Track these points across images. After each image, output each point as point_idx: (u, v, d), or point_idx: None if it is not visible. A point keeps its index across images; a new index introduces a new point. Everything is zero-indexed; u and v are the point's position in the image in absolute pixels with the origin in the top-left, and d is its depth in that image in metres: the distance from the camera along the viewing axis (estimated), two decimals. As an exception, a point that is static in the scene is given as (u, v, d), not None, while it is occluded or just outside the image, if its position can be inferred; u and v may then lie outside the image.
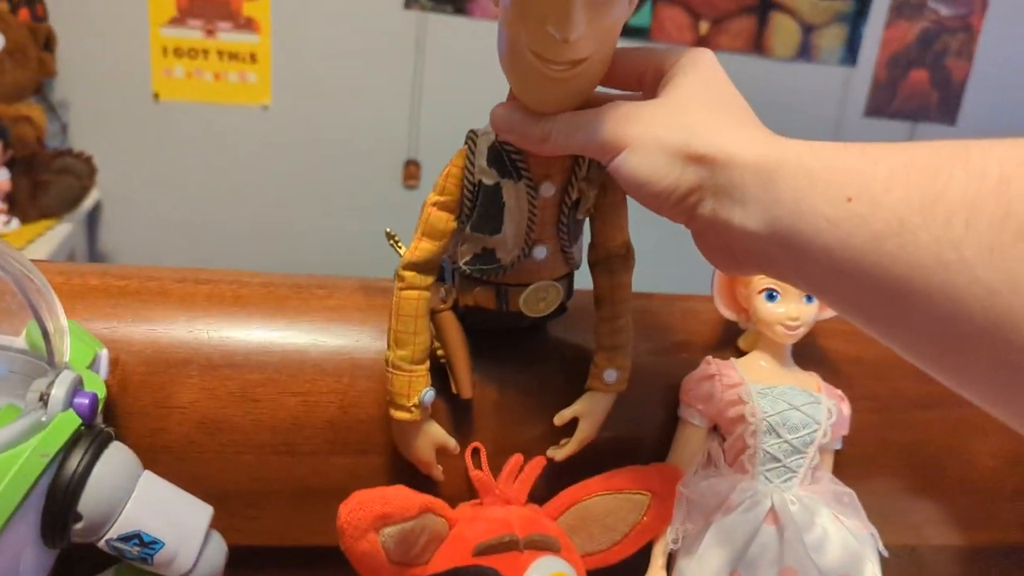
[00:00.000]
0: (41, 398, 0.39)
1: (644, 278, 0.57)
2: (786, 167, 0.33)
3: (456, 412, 0.54)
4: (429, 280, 0.48)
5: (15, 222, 1.61)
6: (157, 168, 2.05)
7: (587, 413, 0.52)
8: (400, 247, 0.54)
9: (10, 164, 1.59)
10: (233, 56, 2.02)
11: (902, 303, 0.29)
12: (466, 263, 0.49)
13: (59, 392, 0.38)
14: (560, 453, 0.53)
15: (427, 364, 0.49)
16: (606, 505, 0.53)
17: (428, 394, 0.49)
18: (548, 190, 0.45)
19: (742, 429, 0.52)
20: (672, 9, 2.22)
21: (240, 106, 2.06)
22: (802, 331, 0.53)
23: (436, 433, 0.51)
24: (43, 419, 0.38)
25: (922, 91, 2.43)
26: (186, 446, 0.51)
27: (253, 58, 2.03)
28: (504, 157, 0.44)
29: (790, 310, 0.52)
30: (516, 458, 0.53)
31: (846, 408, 0.55)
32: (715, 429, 0.54)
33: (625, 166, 0.38)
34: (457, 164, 0.46)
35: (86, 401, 0.39)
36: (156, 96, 2.01)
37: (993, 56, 2.42)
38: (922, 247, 0.28)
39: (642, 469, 0.53)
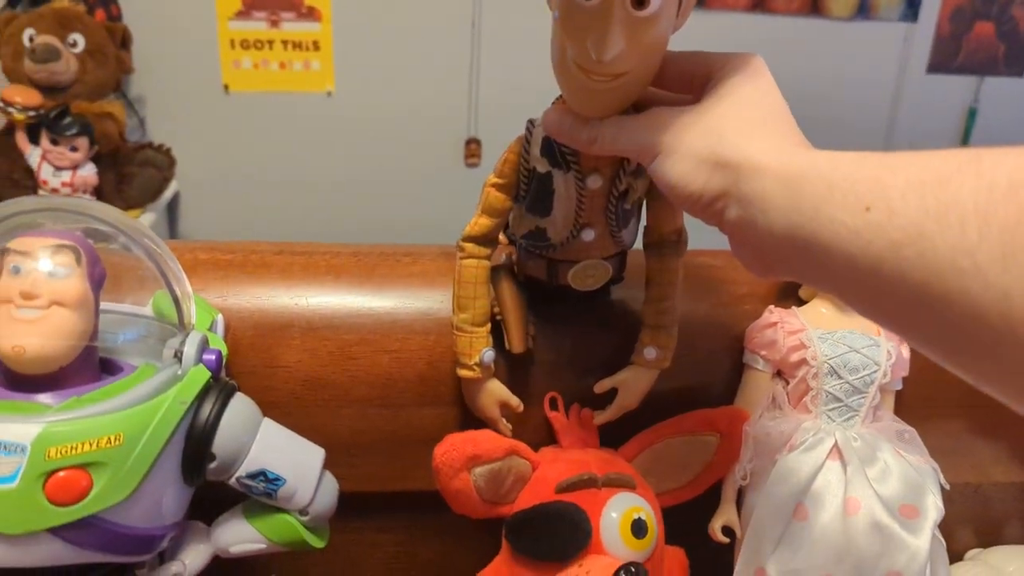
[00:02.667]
0: (176, 355, 0.44)
1: (711, 236, 0.60)
2: (808, 176, 0.35)
3: (517, 369, 0.58)
4: (487, 251, 0.52)
5: (103, 214, 1.70)
6: (230, 157, 2.14)
7: (627, 384, 0.56)
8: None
9: (96, 159, 1.67)
10: (297, 45, 2.08)
11: (921, 307, 0.30)
12: (522, 237, 0.53)
13: (191, 350, 0.44)
14: (600, 418, 0.57)
15: (487, 327, 0.54)
16: (678, 447, 0.56)
17: (488, 354, 0.53)
18: (596, 182, 0.48)
19: (804, 372, 0.55)
20: (727, -25, 2.21)
21: (305, 94, 2.13)
22: (860, 278, 0.55)
23: (498, 390, 0.55)
24: (179, 373, 0.43)
25: (988, 44, 2.36)
26: (292, 401, 0.56)
27: (316, 46, 2.09)
28: (555, 149, 0.48)
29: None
30: (575, 407, 0.57)
31: (905, 350, 0.57)
32: (779, 374, 0.58)
33: (659, 170, 0.41)
34: (514, 150, 0.50)
35: (213, 357, 0.45)
36: (226, 88, 2.09)
37: (1063, 3, 2.34)
38: (939, 254, 0.29)
39: (710, 412, 0.56)
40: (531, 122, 0.49)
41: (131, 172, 1.74)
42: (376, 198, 2.22)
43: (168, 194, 1.90)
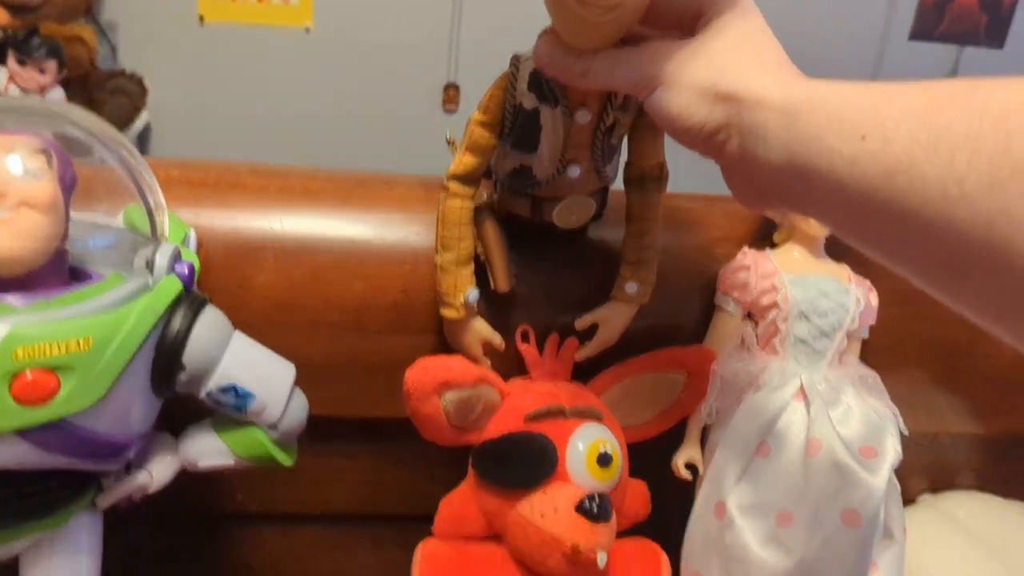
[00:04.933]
0: (147, 265, 0.43)
1: (687, 180, 0.61)
2: (807, 107, 0.35)
3: (497, 309, 0.58)
4: (472, 190, 0.52)
5: (71, 141, 1.66)
6: (203, 89, 2.09)
7: (607, 319, 0.56)
8: (455, 148, 0.58)
9: (64, 84, 1.63)
10: (275, -23, 2.04)
11: (910, 234, 0.32)
12: (505, 176, 0.53)
13: (162, 260, 0.43)
14: (580, 354, 0.57)
15: (472, 267, 0.53)
16: (646, 383, 0.57)
17: (472, 293, 0.53)
18: (584, 117, 0.48)
19: (774, 315, 0.55)
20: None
21: (283, 28, 2.08)
22: (834, 224, 0.56)
23: (482, 329, 0.55)
24: (150, 283, 0.43)
25: (970, 14, 2.37)
26: (263, 323, 0.55)
27: (295, -21, 2.05)
28: (543, 83, 0.47)
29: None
30: (553, 337, 0.58)
31: (874, 298, 0.58)
32: (748, 316, 0.58)
33: (659, 103, 0.41)
34: (500, 86, 0.49)
35: (185, 268, 0.44)
36: (201, 19, 2.04)
37: (1046, -24, 2.35)
38: (929, 182, 0.30)
39: (679, 350, 0.57)
40: (516, 57, 0.48)
41: (101, 99, 1.70)
42: (350, 140, 2.20)
43: (139, 124, 1.86)
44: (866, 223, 0.34)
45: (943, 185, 0.30)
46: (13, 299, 0.39)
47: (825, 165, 0.34)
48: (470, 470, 0.55)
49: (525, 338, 0.57)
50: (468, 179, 0.51)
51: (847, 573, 0.49)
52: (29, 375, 0.37)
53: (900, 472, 0.55)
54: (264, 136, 2.16)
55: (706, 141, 0.40)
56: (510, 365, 0.58)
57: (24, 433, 0.38)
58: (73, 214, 0.43)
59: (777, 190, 0.38)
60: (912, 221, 0.31)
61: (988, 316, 0.32)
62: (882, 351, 0.62)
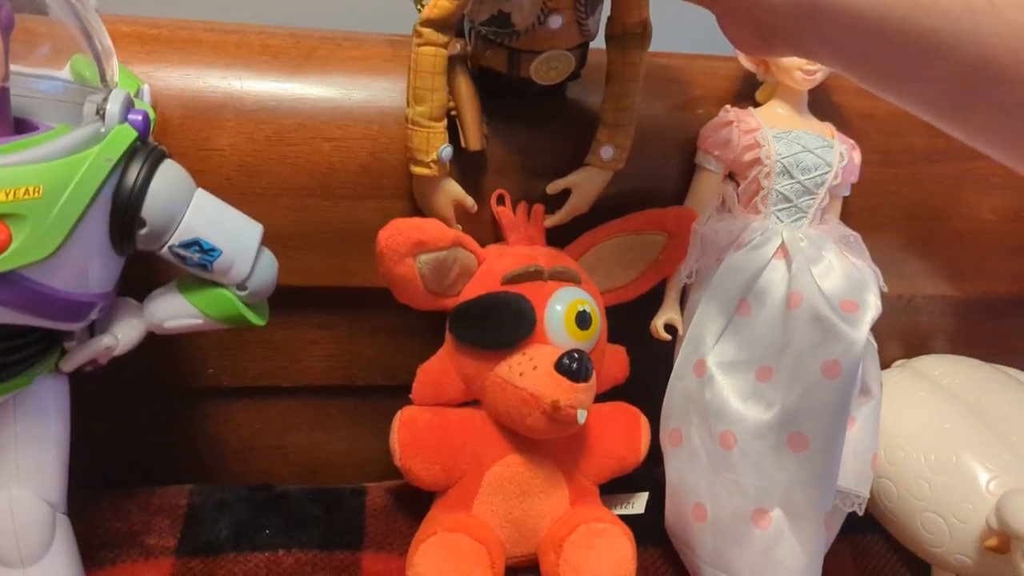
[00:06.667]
0: (97, 111, 0.41)
1: (665, 39, 0.58)
2: None
3: (468, 171, 0.56)
4: (446, 38, 0.49)
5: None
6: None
7: (580, 185, 0.55)
8: (422, 3, 0.55)
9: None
10: None
11: (929, 55, 0.30)
12: (482, 23, 0.49)
13: (114, 107, 0.40)
14: (550, 221, 0.56)
15: (445, 122, 0.51)
16: (624, 245, 0.56)
17: (446, 150, 0.51)
18: None
19: (757, 171, 0.54)
20: None
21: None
22: (819, 77, 0.54)
23: (454, 189, 0.53)
24: (102, 130, 0.40)
25: None
26: (226, 187, 0.53)
27: None
28: None
29: (809, 55, 0.53)
30: (524, 204, 0.56)
31: (857, 155, 0.57)
32: (730, 176, 0.57)
33: None
34: None
35: (139, 117, 0.41)
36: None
37: None
38: None
39: (659, 211, 0.56)
40: None
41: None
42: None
43: None
44: (879, 51, 0.32)
45: None
46: (-46, 146, 0.37)
47: None
48: (447, 334, 0.54)
49: (501, 201, 0.56)
50: (443, 25, 0.48)
51: (826, 424, 0.49)
52: (-24, 224, 0.35)
53: (876, 336, 0.55)
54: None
55: None
56: (483, 232, 0.56)
57: (-23, 287, 0.36)
58: (14, 66, 0.40)
59: (783, 30, 0.36)
60: (933, 40, 0.29)
61: (1002, 138, 0.31)
62: (863, 211, 0.61)
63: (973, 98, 0.30)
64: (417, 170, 0.51)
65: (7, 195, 0.35)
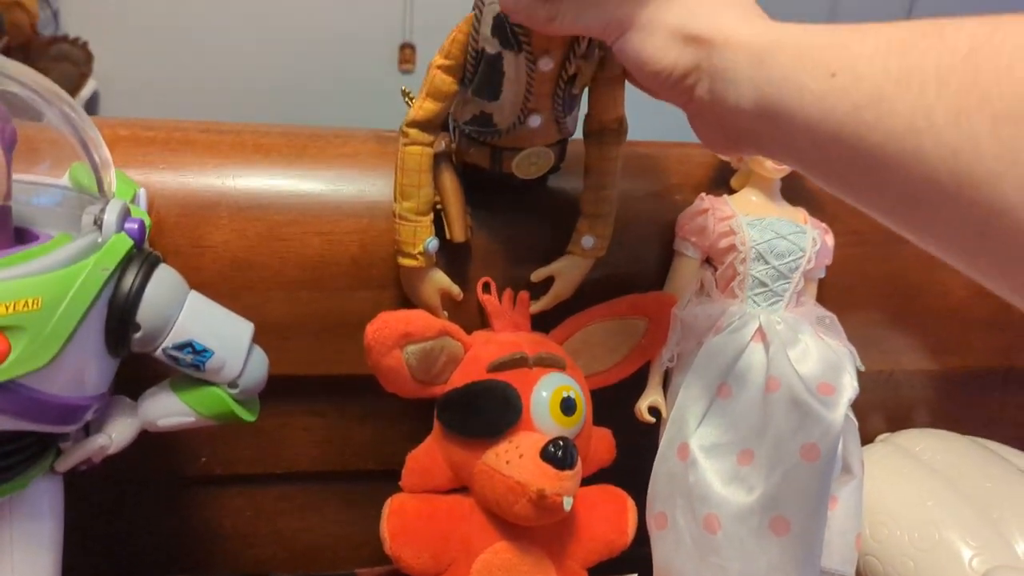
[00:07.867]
0: (95, 222, 0.42)
1: (646, 127, 0.60)
2: (777, 46, 0.35)
3: (454, 261, 0.57)
4: (431, 138, 0.51)
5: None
6: (151, 53, 2.04)
7: (563, 273, 0.57)
8: (410, 98, 0.57)
9: (5, 52, 1.58)
10: (222, -66, 1.98)
11: (878, 169, 0.32)
12: (466, 123, 0.52)
13: (111, 217, 0.42)
14: (535, 307, 0.57)
15: (431, 216, 0.53)
16: (607, 330, 0.57)
17: (432, 243, 0.53)
18: (547, 64, 0.47)
19: (732, 257, 0.56)
20: None
21: (233, -12, 2.03)
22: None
23: (440, 279, 0.55)
24: (99, 240, 0.42)
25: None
26: (220, 282, 0.55)
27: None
28: (507, 28, 0.46)
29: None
30: (509, 292, 0.58)
31: (830, 239, 0.59)
32: (707, 261, 0.59)
33: (628, 46, 0.41)
34: (463, 30, 0.48)
35: (136, 225, 0.43)
36: (146, -21, 1.98)
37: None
38: (897, 116, 0.30)
39: (640, 297, 0.57)
40: (480, 0, 0.48)
41: (45, 67, 1.65)
42: (304, 103, 2.16)
43: (86, 92, 1.81)
44: (834, 161, 0.34)
45: (911, 117, 0.30)
46: (-43, 261, 0.38)
47: (795, 103, 0.34)
48: (435, 422, 0.55)
49: (487, 289, 0.57)
50: (428, 125, 0.51)
51: (807, 507, 0.50)
52: (-23, 337, 0.36)
53: (857, 412, 0.56)
54: (218, 99, 2.11)
55: (675, 85, 0.40)
56: (469, 318, 0.58)
57: (-24, 396, 0.37)
58: (16, 176, 0.42)
59: (746, 133, 0.38)
60: (880, 156, 0.31)
61: (952, 251, 0.32)
62: (838, 291, 0.63)
63: (924, 213, 0.31)
64: (404, 262, 0.53)
65: (7, 308, 0.37)
